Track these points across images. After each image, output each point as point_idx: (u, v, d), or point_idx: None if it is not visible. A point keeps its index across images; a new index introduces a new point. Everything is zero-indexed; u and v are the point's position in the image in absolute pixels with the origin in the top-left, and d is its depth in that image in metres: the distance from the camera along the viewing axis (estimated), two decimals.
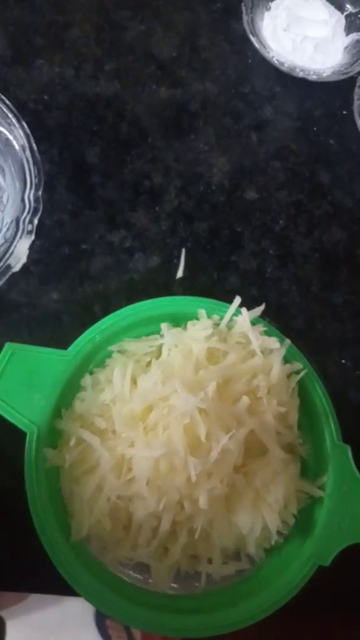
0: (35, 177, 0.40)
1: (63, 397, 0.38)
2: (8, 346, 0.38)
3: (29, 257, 0.39)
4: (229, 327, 0.41)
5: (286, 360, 0.40)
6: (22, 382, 0.38)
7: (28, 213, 0.39)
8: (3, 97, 0.41)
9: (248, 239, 0.50)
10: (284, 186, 0.52)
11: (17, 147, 0.40)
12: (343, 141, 0.54)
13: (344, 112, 0.55)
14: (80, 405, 0.39)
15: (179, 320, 0.42)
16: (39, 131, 0.47)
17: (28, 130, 0.41)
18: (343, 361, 0.48)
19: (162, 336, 0.41)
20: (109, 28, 0.54)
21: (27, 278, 0.45)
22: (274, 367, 0.39)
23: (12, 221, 0.39)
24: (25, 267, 0.39)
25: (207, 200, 0.50)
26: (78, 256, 0.47)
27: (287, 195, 0.52)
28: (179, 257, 0.48)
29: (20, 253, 0.38)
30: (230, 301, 0.42)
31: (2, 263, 0.38)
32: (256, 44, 0.53)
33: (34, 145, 0.40)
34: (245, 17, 0.53)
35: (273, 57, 0.53)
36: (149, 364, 0.40)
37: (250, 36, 0.53)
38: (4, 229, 0.40)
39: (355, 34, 0.56)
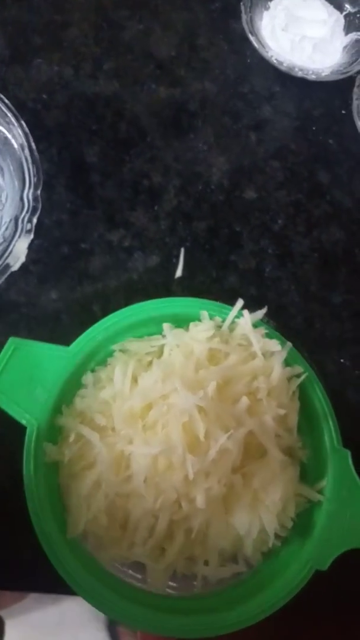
0: (34, 176, 0.40)
1: (64, 393, 0.38)
2: (11, 341, 0.38)
3: (28, 256, 0.39)
4: (231, 329, 0.41)
5: (287, 363, 0.40)
6: (24, 377, 0.38)
7: (27, 212, 0.39)
8: (2, 96, 0.41)
9: (247, 238, 0.50)
10: (283, 186, 0.52)
11: (15, 146, 0.40)
12: (342, 141, 0.54)
13: (343, 112, 0.55)
14: (80, 402, 0.39)
15: (182, 321, 0.42)
16: (37, 130, 0.47)
17: (27, 129, 0.41)
18: (342, 360, 0.48)
19: (164, 336, 0.41)
20: (108, 27, 0.54)
21: (26, 277, 0.45)
22: (274, 370, 0.39)
23: (11, 220, 0.39)
24: (24, 267, 0.39)
25: (206, 200, 0.50)
26: (77, 255, 0.47)
27: (286, 195, 0.52)
28: (178, 257, 0.48)
29: (19, 252, 0.38)
30: (229, 301, 0.42)
31: (1, 262, 0.38)
32: (255, 44, 0.53)
33: (33, 145, 0.40)
34: (244, 17, 0.53)
35: (272, 56, 0.53)
36: (150, 363, 0.40)
37: (249, 36, 0.53)
38: (3, 228, 0.40)
39: (354, 33, 0.56)
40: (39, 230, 0.40)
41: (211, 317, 0.41)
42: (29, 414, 0.37)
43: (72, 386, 0.39)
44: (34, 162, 0.40)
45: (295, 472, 0.40)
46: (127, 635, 0.89)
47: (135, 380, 0.39)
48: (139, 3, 0.55)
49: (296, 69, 0.53)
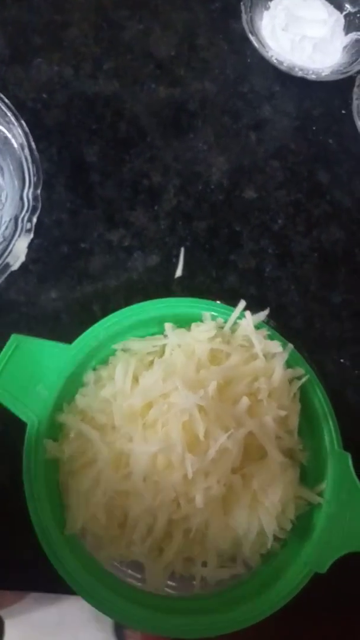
0: (34, 175, 0.40)
1: (65, 390, 0.39)
2: (14, 337, 0.38)
3: (27, 255, 0.39)
4: (232, 330, 0.41)
5: (289, 365, 0.40)
6: (26, 373, 0.38)
7: (27, 211, 0.39)
8: (2, 96, 0.41)
9: (247, 238, 0.50)
10: (283, 185, 0.52)
11: (15, 145, 0.40)
12: (342, 141, 0.54)
13: (343, 112, 0.55)
14: (81, 400, 0.39)
15: (183, 322, 0.42)
16: (37, 130, 0.47)
17: (27, 129, 0.41)
18: (342, 360, 0.48)
19: (165, 336, 0.41)
20: (108, 27, 0.54)
21: (25, 277, 0.45)
22: (275, 371, 0.39)
23: (10, 220, 0.39)
24: (24, 266, 0.39)
25: (205, 200, 0.50)
26: (77, 255, 0.47)
27: (285, 195, 0.52)
28: (177, 256, 0.48)
29: (19, 252, 0.38)
30: (229, 300, 0.42)
31: (0, 261, 0.38)
32: (255, 44, 0.53)
33: (33, 144, 0.40)
34: (244, 17, 0.53)
35: (272, 56, 0.53)
36: (151, 362, 0.40)
37: (249, 35, 0.53)
38: (3, 228, 0.40)
39: (354, 33, 0.56)
40: (38, 229, 0.40)
41: (213, 318, 0.41)
42: (29, 411, 0.37)
43: (73, 384, 0.39)
44: (33, 161, 0.40)
45: (295, 474, 0.39)
46: (134, 638, 0.88)
47: (136, 379, 0.39)
48: (138, 3, 0.55)
49: (296, 69, 0.53)
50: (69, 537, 0.36)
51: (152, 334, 0.41)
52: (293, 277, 0.49)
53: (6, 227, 0.39)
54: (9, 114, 0.41)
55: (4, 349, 0.38)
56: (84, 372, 0.40)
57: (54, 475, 0.38)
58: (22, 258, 0.39)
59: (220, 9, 0.56)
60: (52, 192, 0.48)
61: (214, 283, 0.48)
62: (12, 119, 0.41)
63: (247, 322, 0.40)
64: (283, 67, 0.53)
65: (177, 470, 0.35)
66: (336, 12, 0.57)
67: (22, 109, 0.46)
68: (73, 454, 0.38)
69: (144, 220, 0.48)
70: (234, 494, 0.37)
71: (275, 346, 0.40)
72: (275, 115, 0.54)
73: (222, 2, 0.56)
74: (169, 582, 0.38)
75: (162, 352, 0.41)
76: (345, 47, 0.56)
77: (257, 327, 0.41)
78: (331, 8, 0.57)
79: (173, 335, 0.40)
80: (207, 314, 0.41)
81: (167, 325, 0.41)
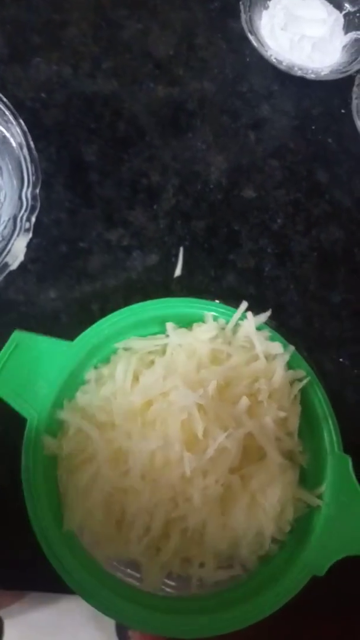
0: (32, 174, 0.40)
1: (66, 387, 0.39)
2: (16, 334, 0.38)
3: (26, 255, 0.39)
4: (234, 330, 0.41)
5: (290, 366, 0.40)
6: (27, 370, 0.38)
7: (25, 211, 0.39)
8: (0, 95, 0.41)
9: (246, 237, 0.50)
10: (282, 185, 0.52)
11: (14, 144, 0.40)
12: (341, 140, 0.54)
13: (342, 111, 0.55)
14: (82, 398, 0.39)
15: (185, 322, 0.42)
16: (36, 129, 0.47)
17: (25, 128, 0.41)
18: (341, 360, 0.48)
19: (167, 336, 0.41)
20: (106, 26, 0.54)
21: (24, 276, 0.45)
22: (276, 372, 0.39)
23: (9, 219, 0.39)
24: (22, 265, 0.40)
25: (204, 199, 0.50)
26: (75, 254, 0.47)
27: (285, 194, 0.52)
28: (176, 256, 0.48)
29: (18, 251, 0.38)
30: (228, 300, 0.42)
31: None
32: (254, 43, 0.53)
33: (32, 143, 0.40)
34: (243, 16, 0.53)
35: (271, 55, 0.53)
36: (152, 362, 0.41)
37: (248, 35, 0.53)
38: (2, 227, 0.40)
39: (353, 32, 0.56)
40: (37, 229, 0.40)
41: (215, 319, 0.41)
42: (30, 406, 0.37)
43: (74, 381, 0.39)
44: (32, 160, 0.40)
45: (295, 476, 0.39)
46: (136, 638, 0.88)
47: (137, 378, 0.39)
48: (137, 2, 0.55)
49: (295, 68, 0.53)
50: (67, 536, 0.36)
51: (154, 334, 0.41)
52: (292, 276, 0.49)
53: (5, 227, 0.39)
54: (7, 113, 0.41)
55: (6, 345, 0.38)
56: (85, 370, 0.40)
57: (53, 473, 0.38)
58: (21, 257, 0.39)
59: (219, 8, 0.56)
60: (51, 192, 0.48)
61: (213, 282, 0.48)
62: (11, 118, 0.41)
63: (248, 323, 0.40)
64: (282, 67, 0.53)
65: (175, 468, 0.35)
66: (335, 12, 0.57)
67: (21, 108, 0.46)
68: (72, 450, 0.38)
69: (143, 219, 0.48)
70: (232, 494, 0.37)
71: (277, 347, 0.40)
72: (274, 115, 0.54)
73: (221, 1, 0.56)
74: (169, 582, 0.38)
75: (163, 351, 0.41)
76: (344, 46, 0.56)
77: (259, 328, 0.41)
78: (330, 7, 0.57)
79: (174, 335, 0.40)
80: (209, 315, 0.41)
81: (169, 325, 0.41)
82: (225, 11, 0.56)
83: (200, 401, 0.35)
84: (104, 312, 0.41)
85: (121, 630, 0.90)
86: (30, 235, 0.39)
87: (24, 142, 0.40)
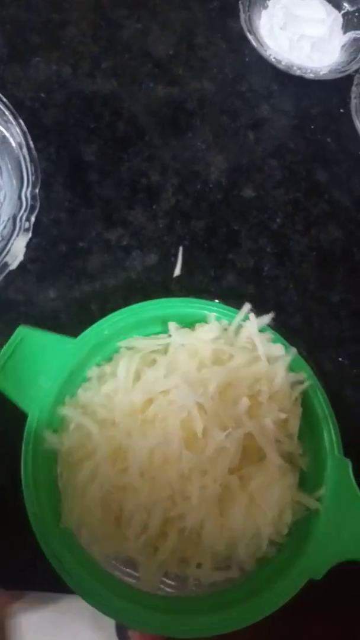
0: (32, 174, 0.40)
1: (68, 384, 0.39)
2: (20, 329, 0.38)
3: (26, 255, 0.39)
4: (236, 332, 0.41)
5: (291, 369, 0.40)
6: (30, 365, 0.38)
7: (25, 211, 0.39)
8: (0, 95, 0.41)
9: (245, 237, 0.50)
10: (281, 184, 0.52)
11: (14, 144, 0.40)
12: (340, 139, 0.54)
13: (341, 111, 0.55)
14: (83, 395, 0.39)
15: (188, 322, 0.42)
16: (36, 129, 0.47)
17: (25, 128, 0.41)
18: (340, 359, 0.48)
19: (170, 335, 0.41)
20: (106, 26, 0.54)
21: (24, 276, 0.45)
22: (277, 374, 0.39)
23: (9, 219, 0.39)
24: (22, 265, 0.40)
25: (204, 199, 0.50)
26: (75, 254, 0.47)
27: (284, 194, 0.52)
28: (176, 255, 0.48)
29: (17, 251, 0.38)
30: (227, 299, 0.42)
31: None
32: (253, 42, 0.53)
33: (31, 143, 0.41)
34: (242, 16, 0.53)
35: (270, 55, 0.53)
36: (154, 361, 0.40)
37: (248, 34, 0.53)
38: (1, 227, 0.40)
39: (352, 32, 0.56)
40: (37, 228, 0.40)
41: (218, 319, 0.41)
42: (31, 401, 0.38)
43: (76, 378, 0.39)
44: (32, 160, 0.40)
45: (294, 479, 0.39)
46: (136, 638, 0.88)
47: (138, 376, 0.39)
48: (137, 2, 0.55)
49: (294, 68, 0.53)
50: (66, 535, 0.36)
51: (156, 333, 0.41)
52: (291, 276, 0.49)
53: (4, 227, 0.39)
54: (7, 113, 0.41)
55: (10, 340, 0.38)
56: (87, 367, 0.40)
57: (53, 469, 0.38)
58: (21, 257, 0.39)
59: (218, 8, 0.56)
60: (51, 191, 0.48)
61: (213, 282, 0.48)
62: (10, 118, 0.41)
63: (251, 325, 0.40)
64: (281, 66, 0.53)
65: (174, 466, 0.35)
66: (334, 11, 0.57)
67: (20, 108, 0.46)
68: (72, 446, 0.38)
69: (143, 219, 0.48)
70: (230, 494, 0.37)
71: (278, 349, 0.40)
72: (274, 114, 0.54)
73: (220, 1, 0.56)
74: (168, 581, 0.38)
75: (165, 350, 0.41)
76: (343, 46, 0.56)
77: (261, 330, 0.41)
78: (329, 7, 0.57)
79: (177, 335, 0.40)
80: (211, 315, 0.41)
81: (172, 325, 0.41)
82: (224, 11, 0.56)
83: (201, 400, 0.35)
84: (103, 312, 0.41)
85: (121, 630, 0.90)
86: (30, 235, 0.39)
87: (23, 142, 0.40)
